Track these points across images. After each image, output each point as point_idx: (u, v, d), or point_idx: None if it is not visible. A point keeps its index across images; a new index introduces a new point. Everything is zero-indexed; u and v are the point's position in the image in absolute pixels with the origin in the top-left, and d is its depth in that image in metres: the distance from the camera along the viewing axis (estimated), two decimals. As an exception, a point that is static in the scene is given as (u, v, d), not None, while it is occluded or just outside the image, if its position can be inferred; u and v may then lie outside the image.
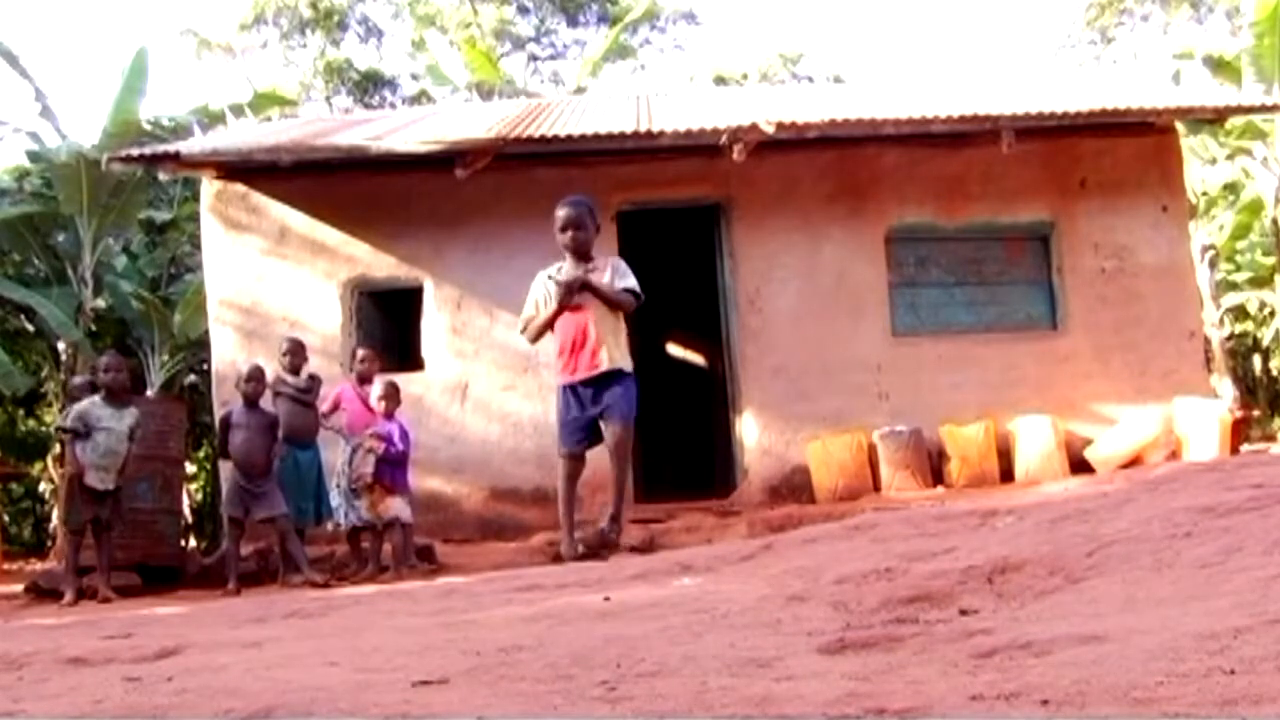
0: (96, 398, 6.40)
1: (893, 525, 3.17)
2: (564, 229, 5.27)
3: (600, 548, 4.49)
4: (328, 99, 24.64)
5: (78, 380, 7.89)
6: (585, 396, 5.19)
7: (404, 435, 6.64)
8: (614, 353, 5.17)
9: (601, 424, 5.18)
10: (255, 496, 6.39)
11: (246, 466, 6.43)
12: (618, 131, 8.46)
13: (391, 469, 6.57)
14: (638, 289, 5.25)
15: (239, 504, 6.41)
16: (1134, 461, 8.14)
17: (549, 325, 5.29)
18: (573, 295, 5.18)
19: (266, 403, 6.71)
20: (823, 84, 23.18)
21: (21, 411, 17.31)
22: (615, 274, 5.26)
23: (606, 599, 2.43)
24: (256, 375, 6.64)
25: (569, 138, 8.27)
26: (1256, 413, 17.59)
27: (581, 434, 5.25)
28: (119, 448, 6.28)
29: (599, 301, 5.18)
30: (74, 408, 6.52)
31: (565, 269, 5.29)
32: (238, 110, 14.42)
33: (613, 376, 5.17)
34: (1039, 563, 2.20)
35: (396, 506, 6.49)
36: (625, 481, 5.24)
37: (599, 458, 5.52)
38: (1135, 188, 9.03)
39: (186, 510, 12.98)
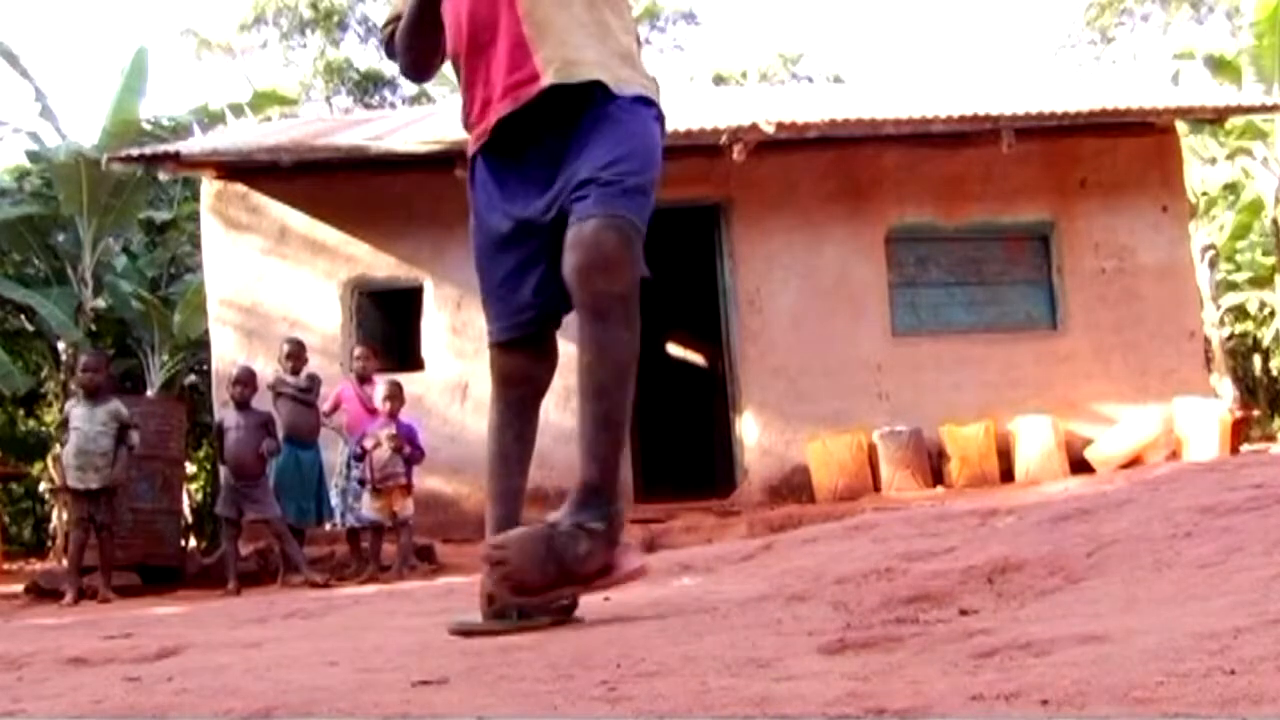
0: (77, 397, 6.43)
1: (893, 525, 3.17)
2: None
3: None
4: (328, 99, 24.64)
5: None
6: (525, 182, 2.24)
7: (413, 435, 6.67)
8: (573, 50, 2.15)
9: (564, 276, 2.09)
10: (246, 497, 6.41)
11: (236, 467, 6.46)
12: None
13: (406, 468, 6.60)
14: None
15: (231, 504, 6.45)
16: (1134, 461, 8.15)
17: (422, 11, 2.29)
18: None
19: (265, 403, 6.72)
20: (823, 84, 23.19)
21: (21, 411, 17.30)
22: None
23: (606, 599, 2.43)
24: (244, 379, 6.67)
25: (569, 138, 8.26)
26: (1256, 413, 17.57)
27: (522, 282, 2.32)
28: (91, 446, 6.21)
29: None
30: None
31: None
32: (238, 110, 14.41)
33: (583, 107, 2.15)
34: (1039, 563, 2.20)
35: (410, 506, 6.52)
36: (623, 423, 2.15)
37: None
38: (1135, 188, 9.04)
39: (186, 510, 12.98)
